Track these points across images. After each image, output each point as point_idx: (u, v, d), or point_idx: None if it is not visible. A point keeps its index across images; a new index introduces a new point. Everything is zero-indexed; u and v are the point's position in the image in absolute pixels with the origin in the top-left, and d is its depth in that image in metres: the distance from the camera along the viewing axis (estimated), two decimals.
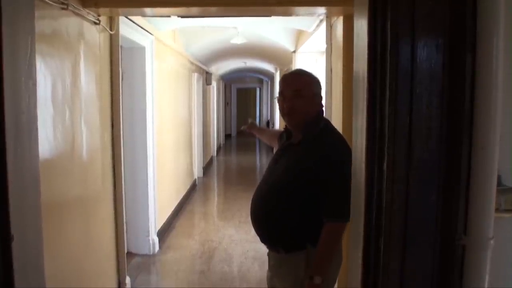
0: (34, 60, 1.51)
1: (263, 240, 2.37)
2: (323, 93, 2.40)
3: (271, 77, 16.44)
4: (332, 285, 2.33)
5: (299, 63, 7.32)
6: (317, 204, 2.17)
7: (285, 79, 2.33)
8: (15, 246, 1.36)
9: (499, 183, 1.25)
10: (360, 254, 1.37)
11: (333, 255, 2.20)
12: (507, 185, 1.29)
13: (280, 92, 2.29)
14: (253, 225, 2.39)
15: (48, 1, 2.67)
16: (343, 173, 2.03)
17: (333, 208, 2.14)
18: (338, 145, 2.25)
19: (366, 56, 1.23)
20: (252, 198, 2.39)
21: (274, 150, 2.64)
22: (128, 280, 4.37)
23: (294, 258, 2.23)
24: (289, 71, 2.45)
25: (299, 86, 2.24)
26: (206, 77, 11.34)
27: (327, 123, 2.35)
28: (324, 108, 2.40)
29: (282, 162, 2.32)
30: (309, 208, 2.19)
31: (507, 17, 1.12)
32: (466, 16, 1.13)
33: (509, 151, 1.26)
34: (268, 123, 19.40)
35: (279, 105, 2.30)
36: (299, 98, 2.21)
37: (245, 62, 13.55)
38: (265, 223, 2.30)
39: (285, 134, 2.43)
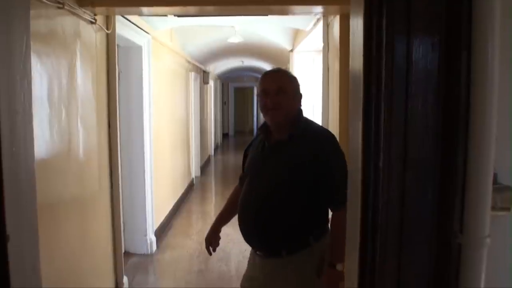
0: (29, 59, 1.51)
1: (261, 246, 2.33)
2: (320, 93, 2.45)
3: None
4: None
5: (296, 62, 7.32)
6: (320, 195, 2.21)
7: (267, 76, 2.35)
8: (11, 246, 1.36)
9: (495, 181, 1.25)
10: (357, 253, 1.37)
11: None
12: (503, 183, 1.29)
13: (263, 90, 2.29)
14: (248, 233, 2.35)
15: (44, 0, 2.66)
16: (343, 159, 2.20)
17: (341, 195, 2.17)
18: (328, 133, 2.35)
19: (361, 55, 1.23)
20: (243, 205, 2.36)
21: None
22: (125, 280, 4.37)
23: (298, 258, 2.23)
24: (271, 70, 2.48)
25: (282, 82, 2.28)
26: (203, 76, 11.33)
27: (306, 117, 2.41)
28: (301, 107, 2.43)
29: (273, 161, 2.30)
30: (313, 202, 2.23)
31: (502, 14, 1.12)
32: (462, 13, 1.13)
33: (505, 149, 1.26)
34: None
35: (261, 102, 2.30)
36: (283, 94, 2.24)
37: (242, 61, 13.54)
38: (267, 227, 2.25)
39: (262, 134, 2.41)
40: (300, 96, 2.37)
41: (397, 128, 1.18)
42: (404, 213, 1.23)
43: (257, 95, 2.38)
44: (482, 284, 1.20)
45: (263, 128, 2.39)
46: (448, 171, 1.20)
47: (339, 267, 2.14)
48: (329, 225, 2.28)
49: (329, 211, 2.33)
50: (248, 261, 2.52)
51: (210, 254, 2.67)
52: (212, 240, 2.66)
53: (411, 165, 1.20)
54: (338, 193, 2.13)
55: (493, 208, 1.24)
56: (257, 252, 2.35)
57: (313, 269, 2.23)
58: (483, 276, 1.20)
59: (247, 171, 2.45)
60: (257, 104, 22.21)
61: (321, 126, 2.42)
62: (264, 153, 2.34)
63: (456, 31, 1.15)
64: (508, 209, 1.29)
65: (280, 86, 2.25)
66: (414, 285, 1.28)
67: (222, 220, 2.71)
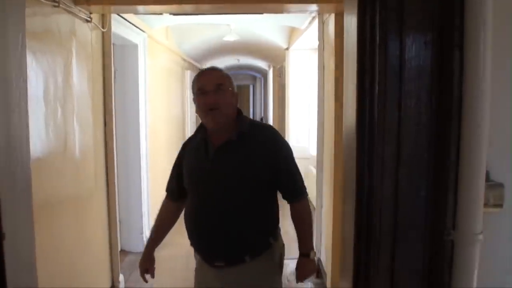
0: (25, 57, 1.51)
1: (223, 256, 2.14)
2: (315, 91, 2.40)
3: (264, 74, 16.43)
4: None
5: (292, 60, 7.34)
6: (277, 191, 2.19)
7: (203, 74, 2.19)
8: (7, 245, 1.36)
9: (488, 179, 1.26)
10: (351, 250, 1.38)
11: None
12: (496, 181, 1.30)
13: (200, 88, 2.11)
14: (206, 245, 2.19)
15: None
16: (291, 153, 2.21)
17: (299, 186, 2.20)
18: (273, 128, 2.29)
19: (355, 53, 1.24)
20: (197, 215, 2.19)
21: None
22: (121, 278, 4.36)
23: (260, 260, 2.14)
24: (205, 68, 2.31)
25: (221, 80, 2.13)
26: None
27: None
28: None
29: (224, 164, 2.12)
30: (271, 200, 2.19)
31: (494, 13, 1.13)
32: (454, 12, 1.14)
33: (498, 146, 1.27)
34: (261, 120, 19.41)
35: (199, 102, 2.12)
36: (222, 92, 2.09)
37: (238, 60, 13.53)
38: (231, 234, 2.10)
39: (202, 137, 2.20)
40: (237, 94, 2.26)
41: (391, 126, 1.19)
42: (398, 210, 1.24)
43: (194, 97, 2.18)
44: (475, 280, 1.22)
45: (202, 130, 2.21)
46: (441, 169, 1.21)
47: (313, 254, 2.21)
48: (292, 217, 2.23)
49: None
50: (196, 279, 2.39)
51: (147, 281, 2.49)
52: (148, 266, 2.49)
53: (404, 162, 1.21)
54: (296, 185, 2.19)
55: (486, 205, 1.25)
56: (215, 264, 2.16)
57: (274, 268, 2.21)
58: (475, 272, 1.21)
59: (192, 179, 2.23)
60: (253, 102, 22.25)
61: (262, 122, 2.34)
62: (210, 157, 2.13)
63: (448, 29, 1.16)
64: (500, 206, 1.30)
65: (219, 83, 2.10)
66: (408, 281, 1.29)
67: (156, 241, 2.54)
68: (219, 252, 2.14)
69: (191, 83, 2.20)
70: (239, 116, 2.21)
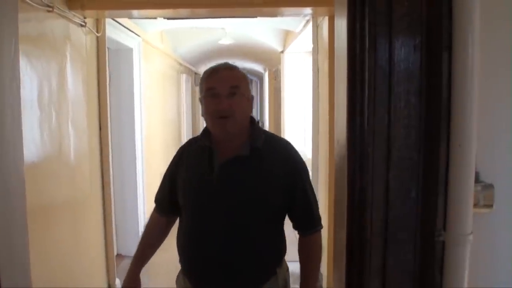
0: (18, 62, 1.51)
1: (221, 287, 1.83)
2: (310, 93, 2.33)
3: (260, 77, 16.45)
4: None
5: (287, 63, 7.36)
6: (291, 219, 1.93)
7: (216, 72, 1.85)
8: (1, 249, 1.36)
9: (477, 180, 1.27)
10: (344, 252, 1.39)
11: None
12: (486, 182, 1.31)
13: (210, 89, 1.79)
14: (205, 273, 1.84)
15: (33, 4, 2.66)
16: (309, 175, 1.94)
17: (315, 216, 1.91)
18: (292, 146, 1.95)
19: (346, 56, 1.25)
20: (189, 237, 1.88)
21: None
22: (117, 282, 4.36)
23: None
24: (219, 65, 1.93)
25: (237, 82, 1.81)
26: (195, 78, 11.33)
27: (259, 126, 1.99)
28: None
29: (234, 181, 1.81)
30: (279, 228, 1.91)
31: (482, 16, 1.14)
32: (443, 15, 1.16)
33: (487, 147, 1.29)
34: (258, 123, 19.41)
35: (207, 105, 1.80)
36: (237, 96, 1.77)
37: (233, 63, 13.53)
38: (231, 264, 1.78)
39: (207, 147, 1.87)
40: (253, 98, 1.92)
41: (381, 128, 1.20)
42: (389, 212, 1.25)
43: (202, 97, 1.85)
44: (465, 280, 1.23)
45: (206, 136, 1.89)
46: (431, 170, 1.22)
47: None
48: (299, 252, 1.96)
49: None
50: None
51: None
52: None
53: (394, 164, 1.22)
54: (312, 213, 1.91)
55: (476, 205, 1.26)
56: None
57: None
58: (466, 272, 1.22)
59: (189, 194, 1.89)
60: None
61: (279, 136, 2.02)
62: (216, 171, 1.81)
63: (437, 33, 1.17)
64: (491, 206, 1.31)
65: (235, 85, 1.78)
66: (399, 282, 1.30)
67: (142, 260, 2.15)
68: (215, 284, 1.83)
69: (200, 80, 1.89)
70: (253, 125, 1.91)
